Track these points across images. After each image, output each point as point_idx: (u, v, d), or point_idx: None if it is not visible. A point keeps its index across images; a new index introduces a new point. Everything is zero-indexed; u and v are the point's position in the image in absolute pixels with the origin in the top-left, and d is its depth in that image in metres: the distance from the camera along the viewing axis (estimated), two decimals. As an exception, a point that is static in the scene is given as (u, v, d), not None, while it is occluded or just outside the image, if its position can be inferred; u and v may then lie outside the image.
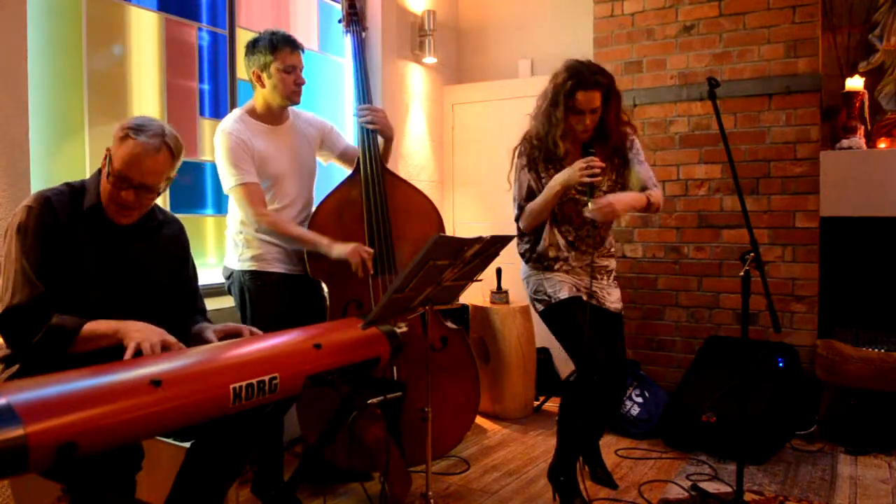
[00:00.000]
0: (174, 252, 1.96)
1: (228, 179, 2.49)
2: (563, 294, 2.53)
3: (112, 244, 1.80)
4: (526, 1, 4.42)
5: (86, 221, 1.75)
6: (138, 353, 1.56)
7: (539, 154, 2.55)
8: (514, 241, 2.59)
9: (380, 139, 2.80)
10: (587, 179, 2.38)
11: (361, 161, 2.75)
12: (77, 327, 1.62)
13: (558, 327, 2.57)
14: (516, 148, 2.62)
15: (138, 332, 1.61)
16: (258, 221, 2.49)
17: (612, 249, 2.72)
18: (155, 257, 1.89)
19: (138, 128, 1.74)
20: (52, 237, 1.68)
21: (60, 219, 1.70)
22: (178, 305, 1.96)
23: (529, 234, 2.62)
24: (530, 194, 2.55)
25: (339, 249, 2.52)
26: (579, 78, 2.42)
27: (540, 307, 2.60)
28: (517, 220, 2.61)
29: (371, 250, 2.57)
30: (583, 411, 2.56)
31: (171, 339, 1.64)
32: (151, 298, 1.86)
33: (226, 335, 1.86)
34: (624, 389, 3.22)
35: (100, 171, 1.80)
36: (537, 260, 2.60)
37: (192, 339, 1.88)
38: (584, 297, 2.57)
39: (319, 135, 2.80)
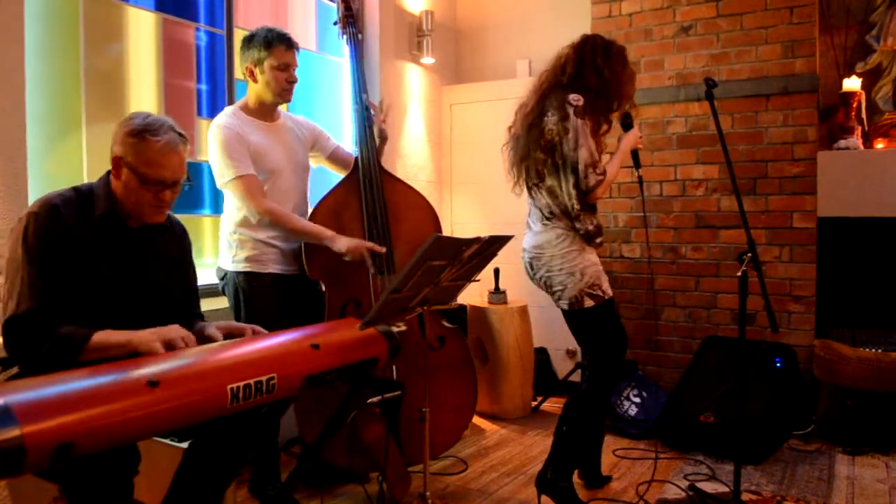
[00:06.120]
0: (179, 255, 1.96)
1: (225, 173, 2.47)
2: (609, 290, 2.50)
3: (122, 250, 1.79)
4: (524, 1, 4.42)
5: (96, 228, 1.74)
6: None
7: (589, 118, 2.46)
8: (547, 227, 2.48)
9: (377, 136, 2.82)
10: (640, 146, 2.54)
11: (360, 168, 2.76)
12: (86, 337, 1.60)
13: (601, 326, 2.50)
14: (573, 109, 2.40)
15: (154, 333, 1.61)
16: (260, 213, 2.48)
17: None
18: (162, 260, 1.89)
19: (149, 127, 1.72)
20: (57, 244, 1.66)
21: (67, 225, 1.68)
22: (182, 308, 1.96)
23: (591, 209, 2.47)
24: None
25: (343, 242, 2.53)
26: None
27: (591, 303, 2.44)
28: (591, 189, 2.39)
29: (371, 245, 2.57)
30: (602, 414, 2.56)
31: (186, 332, 1.67)
32: (158, 301, 1.85)
33: (229, 333, 1.85)
34: None
35: (108, 176, 1.78)
36: (598, 234, 2.48)
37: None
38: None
39: (311, 136, 2.81)
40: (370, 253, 2.59)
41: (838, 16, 3.64)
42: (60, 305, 1.63)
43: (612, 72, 2.49)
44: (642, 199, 2.64)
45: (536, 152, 2.47)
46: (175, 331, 1.64)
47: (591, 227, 2.44)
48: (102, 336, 1.61)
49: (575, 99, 2.41)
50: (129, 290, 1.78)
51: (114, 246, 1.77)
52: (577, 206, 2.42)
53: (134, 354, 1.58)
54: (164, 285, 1.88)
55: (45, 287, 1.62)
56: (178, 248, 1.96)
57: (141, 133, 1.71)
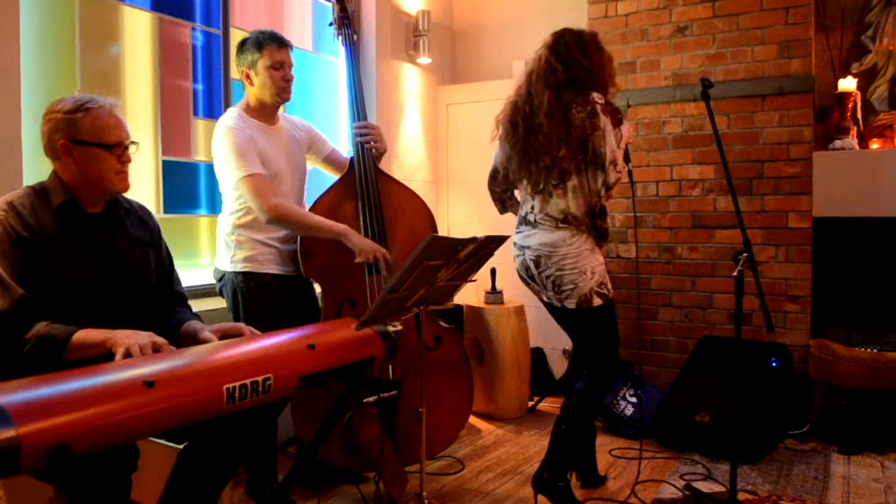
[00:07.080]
0: (146, 237, 1.96)
1: (236, 172, 2.45)
2: (612, 289, 2.54)
3: (87, 236, 1.79)
4: (520, 2, 4.42)
5: (56, 218, 1.74)
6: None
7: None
8: (555, 228, 2.46)
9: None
10: (630, 140, 2.57)
11: (356, 169, 2.76)
12: (67, 336, 1.60)
13: (605, 324, 2.51)
14: (600, 107, 2.39)
15: (127, 337, 1.59)
16: (271, 211, 2.46)
17: None
18: (128, 244, 1.89)
19: (81, 101, 1.75)
20: (21, 239, 1.67)
21: (27, 220, 1.69)
22: (157, 289, 1.96)
23: (604, 207, 2.49)
24: None
25: (357, 239, 2.54)
26: None
27: (598, 301, 2.45)
28: (612, 186, 2.43)
29: (385, 253, 2.58)
30: (596, 413, 2.56)
31: (161, 340, 1.62)
32: (130, 284, 1.85)
33: (224, 335, 1.85)
34: None
35: (53, 172, 1.79)
36: (607, 233, 2.52)
37: (186, 339, 1.87)
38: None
39: (308, 138, 2.81)
40: (384, 258, 2.59)
41: (834, 16, 3.65)
42: (34, 302, 1.63)
43: (591, 60, 2.51)
44: (633, 195, 2.65)
45: (562, 150, 2.40)
46: (145, 337, 1.61)
47: (606, 226, 2.50)
48: (82, 335, 1.61)
49: (599, 97, 2.43)
50: (100, 274, 1.78)
51: (78, 233, 1.78)
52: (600, 204, 2.46)
53: (124, 356, 1.57)
54: (135, 266, 1.88)
55: (18, 284, 1.62)
56: (144, 228, 1.96)
57: (79, 108, 1.74)
